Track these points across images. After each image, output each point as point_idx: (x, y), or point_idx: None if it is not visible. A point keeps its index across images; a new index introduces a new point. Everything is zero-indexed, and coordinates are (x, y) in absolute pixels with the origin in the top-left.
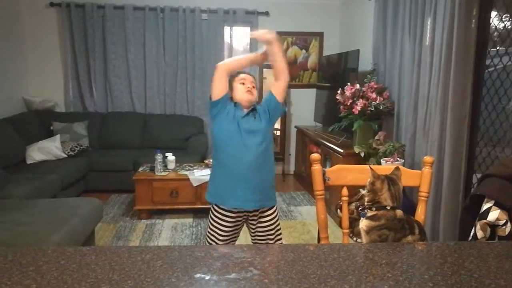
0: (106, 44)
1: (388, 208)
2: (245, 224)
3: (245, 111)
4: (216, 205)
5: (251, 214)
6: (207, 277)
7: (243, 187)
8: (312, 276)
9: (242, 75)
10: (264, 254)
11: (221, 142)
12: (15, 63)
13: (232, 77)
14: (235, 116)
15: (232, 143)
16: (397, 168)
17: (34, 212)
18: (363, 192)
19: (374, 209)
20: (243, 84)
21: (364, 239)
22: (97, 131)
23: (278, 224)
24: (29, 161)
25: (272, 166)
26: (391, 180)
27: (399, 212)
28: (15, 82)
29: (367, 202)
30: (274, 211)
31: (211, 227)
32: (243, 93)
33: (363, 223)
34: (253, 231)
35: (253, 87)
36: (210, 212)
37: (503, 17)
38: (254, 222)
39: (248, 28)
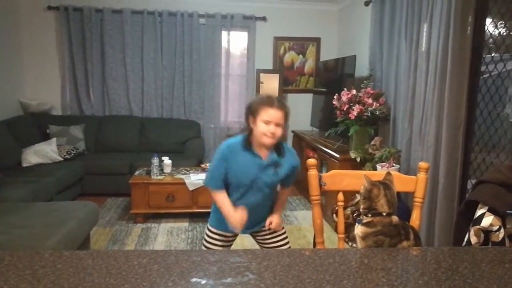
0: (104, 48)
1: (384, 214)
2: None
3: (265, 159)
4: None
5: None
6: (203, 282)
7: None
8: (308, 281)
9: (271, 111)
10: (260, 258)
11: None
12: (12, 66)
13: (258, 104)
14: (254, 162)
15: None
16: (388, 173)
17: (30, 215)
18: (358, 197)
19: (370, 215)
20: (267, 124)
21: (359, 244)
22: (93, 135)
23: (284, 232)
24: (25, 164)
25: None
26: (386, 186)
27: (394, 218)
28: (12, 85)
29: (363, 209)
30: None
31: (207, 244)
32: (261, 136)
33: (359, 229)
34: (262, 244)
35: (279, 125)
36: (208, 230)
37: (498, 24)
38: (260, 238)
39: (246, 33)
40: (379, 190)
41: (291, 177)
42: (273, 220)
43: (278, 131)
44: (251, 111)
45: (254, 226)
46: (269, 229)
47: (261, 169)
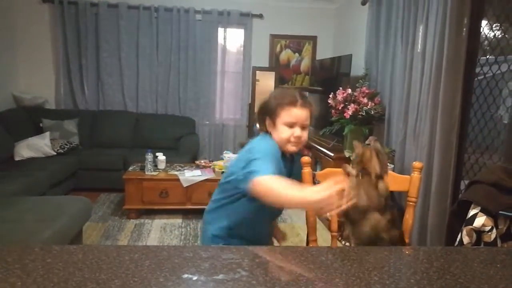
0: (99, 42)
1: (375, 175)
2: None
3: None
4: None
5: None
6: (195, 278)
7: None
8: (300, 278)
9: (295, 111)
10: (252, 255)
11: None
12: (5, 59)
13: (278, 103)
14: (280, 171)
15: None
16: (376, 140)
17: (22, 209)
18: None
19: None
20: (291, 127)
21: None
22: (87, 129)
23: None
24: (17, 158)
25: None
26: (377, 150)
27: (382, 185)
28: (5, 78)
29: (356, 169)
30: None
31: None
32: (285, 143)
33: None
34: None
35: (305, 128)
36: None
37: (494, 26)
38: None
39: (242, 30)
40: (371, 153)
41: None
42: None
43: (305, 135)
44: (268, 112)
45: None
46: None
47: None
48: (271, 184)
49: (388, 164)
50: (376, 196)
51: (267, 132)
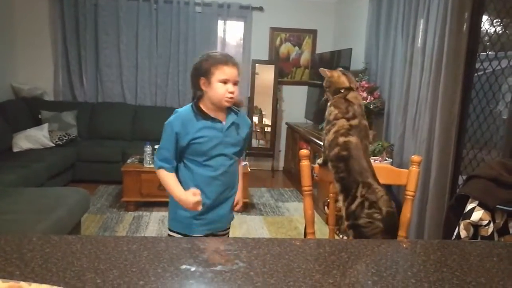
0: (98, 34)
1: (344, 88)
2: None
3: (225, 122)
4: None
5: None
6: (193, 269)
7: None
8: (297, 270)
9: (226, 69)
10: (250, 247)
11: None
12: (5, 49)
13: (211, 64)
14: (215, 128)
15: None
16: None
17: (20, 200)
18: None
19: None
20: (225, 83)
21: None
22: (86, 121)
23: None
24: (15, 149)
25: None
26: (342, 70)
27: (353, 94)
28: (4, 69)
29: (331, 95)
30: None
31: None
32: (221, 98)
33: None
34: None
35: (236, 83)
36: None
37: (494, 21)
38: None
39: (242, 23)
40: (337, 73)
41: (245, 144)
42: (240, 200)
43: (236, 90)
44: (202, 72)
45: (221, 218)
46: (236, 211)
47: (223, 133)
48: (161, 176)
49: (387, 158)
50: (346, 105)
51: (201, 91)
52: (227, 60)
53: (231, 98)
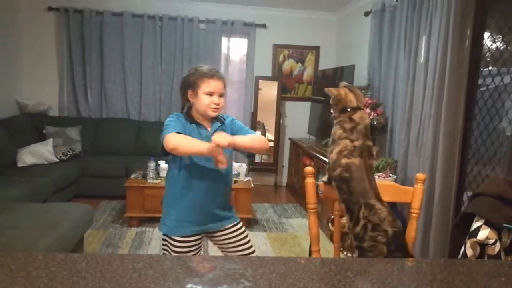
0: (103, 50)
1: (351, 108)
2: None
3: (209, 129)
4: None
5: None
6: None
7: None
8: None
9: (212, 82)
10: (255, 266)
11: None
12: (10, 65)
13: (198, 78)
14: (201, 133)
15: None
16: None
17: (23, 216)
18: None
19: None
20: (210, 96)
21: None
22: (90, 137)
23: (247, 238)
24: (20, 164)
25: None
26: (349, 86)
27: (359, 114)
28: (9, 84)
29: (337, 113)
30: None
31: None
32: (207, 109)
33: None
34: (224, 249)
35: (222, 95)
36: (167, 241)
37: (496, 38)
38: (222, 242)
39: (246, 40)
40: (344, 90)
41: (243, 131)
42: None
43: (222, 101)
44: (190, 85)
45: (219, 219)
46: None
47: (208, 139)
48: (177, 137)
49: (390, 175)
50: (351, 126)
51: (189, 102)
52: (213, 74)
53: (215, 108)
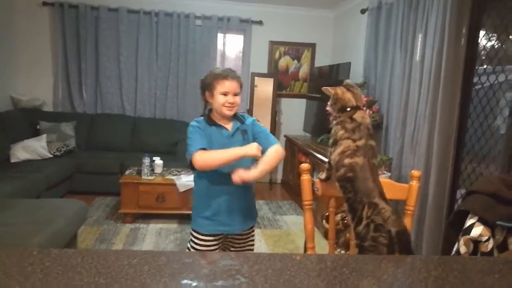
0: (98, 46)
1: (350, 108)
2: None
3: (230, 129)
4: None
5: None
6: (194, 284)
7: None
8: (299, 285)
9: (226, 83)
10: (251, 262)
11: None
12: (4, 60)
13: (213, 79)
14: (221, 134)
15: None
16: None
17: (17, 212)
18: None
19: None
20: (225, 96)
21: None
22: (85, 132)
23: (254, 236)
24: (13, 160)
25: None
26: (347, 85)
27: (360, 114)
28: (3, 79)
29: (336, 113)
30: None
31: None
32: (222, 108)
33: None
34: (231, 246)
35: (237, 95)
36: (193, 237)
37: (491, 36)
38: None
39: (242, 36)
40: (341, 89)
41: (263, 135)
42: (244, 174)
43: (237, 100)
44: (206, 87)
45: (242, 222)
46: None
47: (229, 139)
48: (203, 157)
49: (385, 172)
50: (352, 126)
51: (208, 103)
52: (226, 74)
53: (230, 106)
